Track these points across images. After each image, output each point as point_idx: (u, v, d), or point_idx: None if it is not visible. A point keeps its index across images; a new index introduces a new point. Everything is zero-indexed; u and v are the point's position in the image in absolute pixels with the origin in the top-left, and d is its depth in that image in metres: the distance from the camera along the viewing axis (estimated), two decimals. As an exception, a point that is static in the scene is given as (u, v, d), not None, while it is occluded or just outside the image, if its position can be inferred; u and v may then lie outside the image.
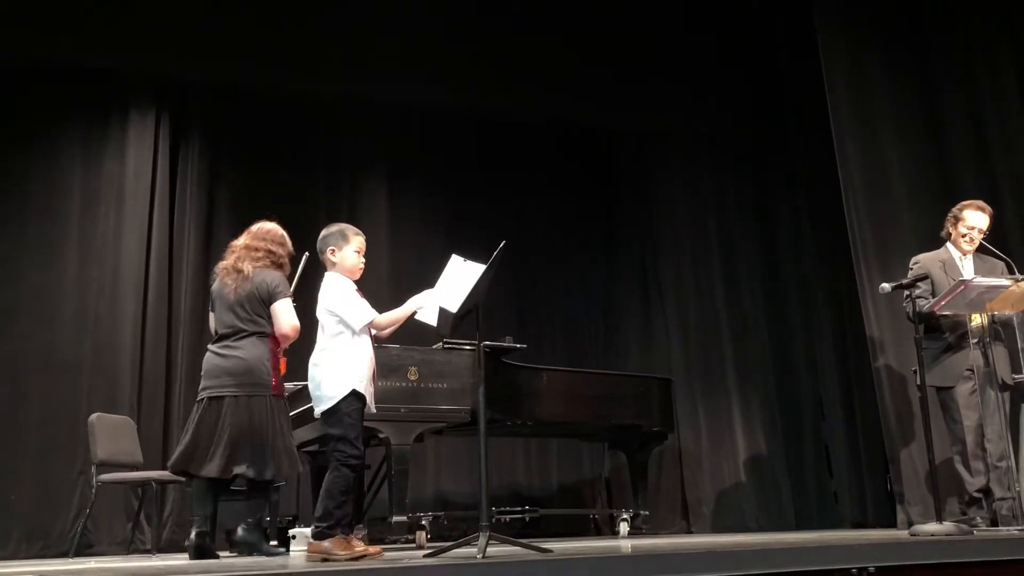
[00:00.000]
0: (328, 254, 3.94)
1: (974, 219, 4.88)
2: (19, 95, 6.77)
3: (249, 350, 4.37)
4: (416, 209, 7.84)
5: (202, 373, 4.46)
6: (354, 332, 3.80)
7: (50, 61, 6.69)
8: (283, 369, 4.57)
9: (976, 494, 4.66)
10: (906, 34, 6.32)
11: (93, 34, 6.56)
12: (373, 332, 3.94)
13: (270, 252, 4.53)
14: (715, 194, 7.95)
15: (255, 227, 4.64)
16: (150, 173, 6.93)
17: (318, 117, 7.51)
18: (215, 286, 4.56)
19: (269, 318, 4.43)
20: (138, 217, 6.84)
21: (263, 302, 4.41)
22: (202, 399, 4.37)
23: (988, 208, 4.92)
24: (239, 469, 4.25)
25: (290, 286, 4.54)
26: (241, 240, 4.60)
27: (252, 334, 4.40)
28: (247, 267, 4.45)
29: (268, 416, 4.30)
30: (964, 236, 4.89)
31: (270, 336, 4.44)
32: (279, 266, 4.55)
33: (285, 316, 4.37)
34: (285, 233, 4.66)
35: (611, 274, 8.42)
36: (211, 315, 4.63)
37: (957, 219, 4.93)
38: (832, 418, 7.20)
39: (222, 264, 4.57)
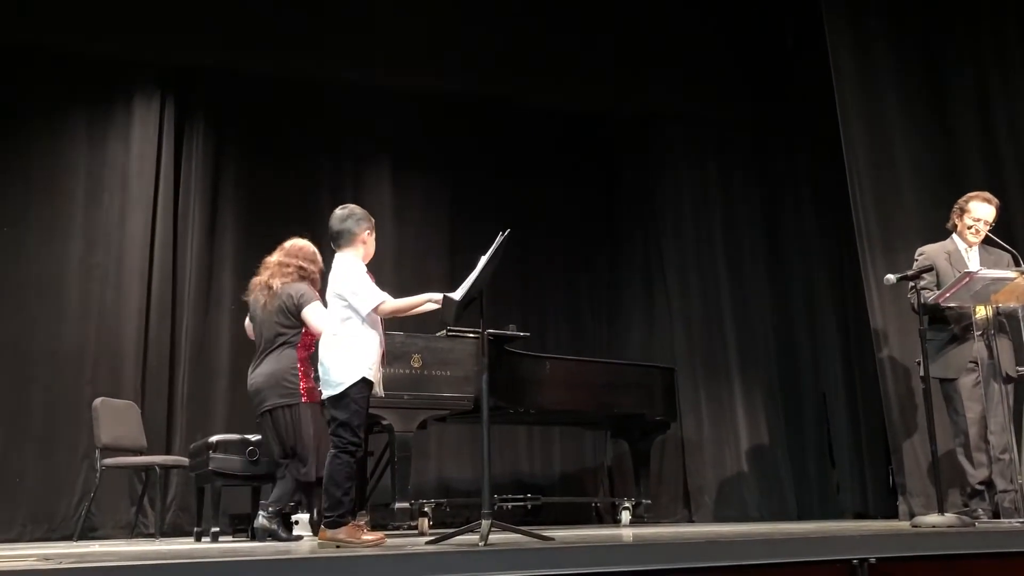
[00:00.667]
0: (364, 235, 3.90)
1: (980, 210, 4.84)
2: (22, 78, 6.75)
3: (273, 364, 4.61)
4: (419, 196, 7.84)
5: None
6: (363, 318, 3.79)
7: (53, 44, 6.67)
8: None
9: (978, 486, 4.65)
10: (914, 20, 6.27)
11: (98, 17, 6.53)
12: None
13: (300, 268, 4.72)
14: (719, 182, 7.90)
15: (288, 244, 4.84)
16: (155, 157, 6.93)
17: (323, 103, 7.48)
18: (251, 300, 4.82)
19: (297, 327, 4.64)
20: (142, 201, 6.84)
21: (291, 313, 4.62)
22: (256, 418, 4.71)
23: (994, 199, 4.88)
24: (281, 471, 4.62)
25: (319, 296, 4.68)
26: (274, 257, 4.80)
27: (279, 346, 4.63)
28: (276, 283, 4.67)
29: (302, 422, 4.57)
30: (970, 228, 4.84)
31: (299, 345, 4.64)
32: (310, 282, 4.73)
33: (317, 320, 4.50)
34: (316, 250, 4.83)
35: (614, 263, 8.42)
36: (247, 323, 4.90)
37: (963, 210, 4.88)
38: (835, 409, 7.19)
39: (256, 280, 4.80)
